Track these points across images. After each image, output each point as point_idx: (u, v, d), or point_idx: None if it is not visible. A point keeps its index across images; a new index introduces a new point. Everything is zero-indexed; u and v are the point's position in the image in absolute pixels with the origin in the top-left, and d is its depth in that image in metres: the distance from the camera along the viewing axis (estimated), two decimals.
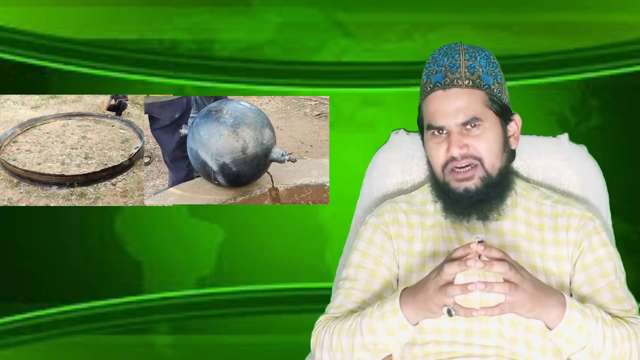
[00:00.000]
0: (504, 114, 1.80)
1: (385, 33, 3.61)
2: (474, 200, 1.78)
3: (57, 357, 3.68)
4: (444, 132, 1.78)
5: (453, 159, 1.77)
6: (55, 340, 3.67)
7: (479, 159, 1.77)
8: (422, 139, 1.85)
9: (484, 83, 1.78)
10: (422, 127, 1.84)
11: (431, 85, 1.80)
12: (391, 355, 1.79)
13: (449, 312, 1.64)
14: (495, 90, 1.79)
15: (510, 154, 1.85)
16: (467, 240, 1.81)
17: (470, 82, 1.77)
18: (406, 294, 1.70)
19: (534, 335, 1.77)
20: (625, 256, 1.90)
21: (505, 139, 1.81)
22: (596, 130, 3.59)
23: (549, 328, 1.69)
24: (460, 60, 1.79)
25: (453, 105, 1.76)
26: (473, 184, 1.77)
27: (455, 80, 1.77)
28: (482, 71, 1.79)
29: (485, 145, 1.77)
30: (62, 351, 3.67)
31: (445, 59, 1.80)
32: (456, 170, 1.77)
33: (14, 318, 3.67)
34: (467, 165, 1.77)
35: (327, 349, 1.77)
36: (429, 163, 1.84)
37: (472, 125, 1.76)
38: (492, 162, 1.78)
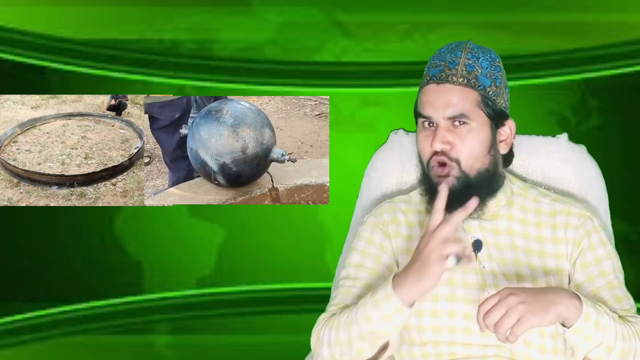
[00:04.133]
0: (496, 118, 1.80)
1: (385, 33, 3.61)
2: (451, 198, 1.77)
3: (57, 357, 3.68)
4: (433, 125, 1.79)
5: (435, 152, 1.77)
6: (55, 340, 3.67)
7: (456, 161, 1.77)
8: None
9: (480, 84, 1.78)
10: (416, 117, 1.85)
11: (428, 78, 1.81)
12: (386, 349, 1.79)
13: (458, 260, 1.63)
14: (490, 93, 1.79)
15: (499, 157, 1.84)
16: (464, 239, 1.81)
17: (465, 81, 1.78)
18: (397, 276, 1.70)
19: (532, 334, 1.77)
20: (625, 256, 1.90)
21: (493, 143, 1.81)
22: (596, 130, 3.59)
23: (565, 327, 1.67)
24: (460, 57, 1.80)
25: (443, 100, 1.77)
26: (450, 182, 1.77)
27: (450, 77, 1.78)
28: (481, 72, 1.79)
29: (467, 146, 1.77)
30: (62, 351, 3.66)
31: (448, 55, 1.81)
32: (433, 165, 1.78)
33: (14, 318, 3.67)
34: (443, 163, 1.77)
35: (327, 345, 1.77)
36: (419, 154, 1.85)
37: (460, 122, 1.77)
38: (471, 164, 1.78)
